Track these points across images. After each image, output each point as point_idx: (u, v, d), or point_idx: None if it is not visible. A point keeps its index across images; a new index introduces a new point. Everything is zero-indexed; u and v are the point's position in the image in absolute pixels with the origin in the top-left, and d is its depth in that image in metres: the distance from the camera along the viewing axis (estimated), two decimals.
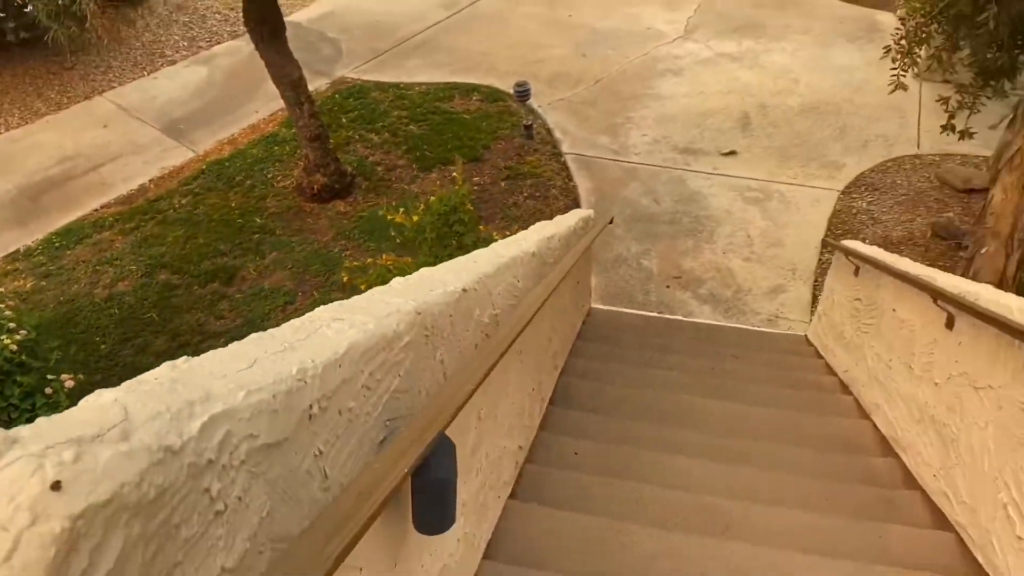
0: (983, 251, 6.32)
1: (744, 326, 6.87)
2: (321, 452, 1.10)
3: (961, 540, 3.09)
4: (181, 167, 9.09)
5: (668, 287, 7.54)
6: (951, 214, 8.08)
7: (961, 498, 3.16)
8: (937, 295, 3.52)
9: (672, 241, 8.05)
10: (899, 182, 8.66)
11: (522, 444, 3.18)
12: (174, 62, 11.09)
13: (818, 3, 12.59)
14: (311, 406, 1.06)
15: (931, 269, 4.03)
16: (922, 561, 2.99)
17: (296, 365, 1.03)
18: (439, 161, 8.87)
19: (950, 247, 7.54)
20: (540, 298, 2.44)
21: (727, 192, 8.64)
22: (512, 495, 3.03)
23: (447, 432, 1.48)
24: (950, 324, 3.50)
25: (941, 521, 3.29)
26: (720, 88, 10.38)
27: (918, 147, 9.12)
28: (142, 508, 0.71)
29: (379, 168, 8.91)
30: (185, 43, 11.54)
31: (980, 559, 2.91)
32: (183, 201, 8.52)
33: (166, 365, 0.92)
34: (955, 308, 3.43)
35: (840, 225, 8.07)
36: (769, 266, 7.68)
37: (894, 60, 4.84)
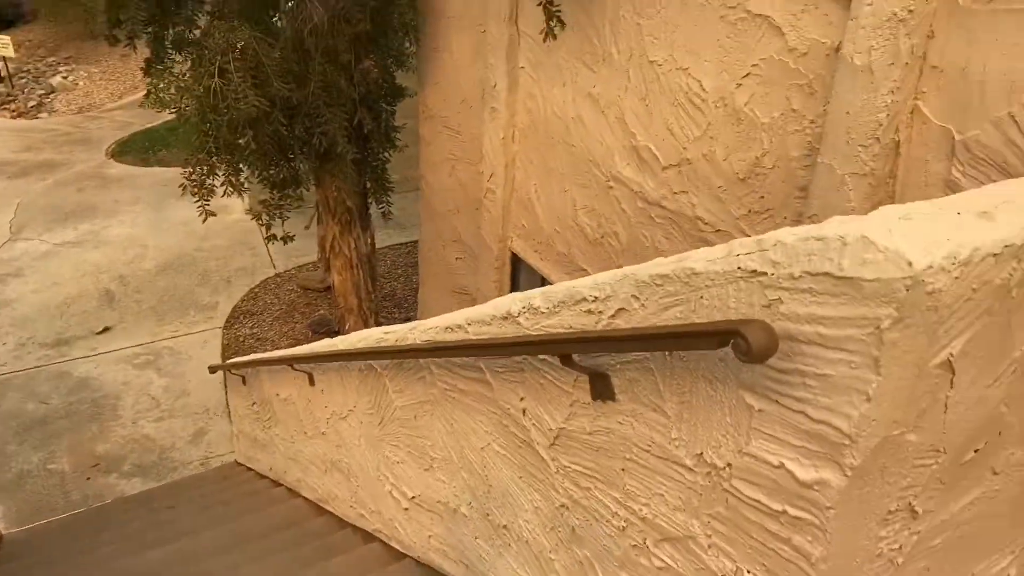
0: (347, 327, 7.39)
1: (177, 479, 6.82)
2: None
3: (383, 542, 3.64)
4: None
5: (89, 479, 7.05)
6: (322, 311, 9.21)
7: (371, 509, 3.72)
8: (291, 361, 4.11)
9: (76, 434, 7.55)
10: (270, 301, 9.55)
11: None
12: None
13: (135, 174, 13.22)
14: None
15: (293, 349, 4.63)
16: (362, 573, 3.45)
17: None
18: None
19: (329, 336, 8.59)
20: None
21: (116, 366, 8.44)
22: None
23: None
24: (312, 381, 4.11)
25: (369, 538, 3.82)
26: (72, 274, 10.10)
27: (274, 267, 10.18)
28: None
29: None
30: None
31: (395, 544, 3.47)
32: None
33: None
34: (306, 366, 4.05)
35: (234, 355, 8.53)
36: (183, 416, 7.74)
37: (193, 194, 5.46)
